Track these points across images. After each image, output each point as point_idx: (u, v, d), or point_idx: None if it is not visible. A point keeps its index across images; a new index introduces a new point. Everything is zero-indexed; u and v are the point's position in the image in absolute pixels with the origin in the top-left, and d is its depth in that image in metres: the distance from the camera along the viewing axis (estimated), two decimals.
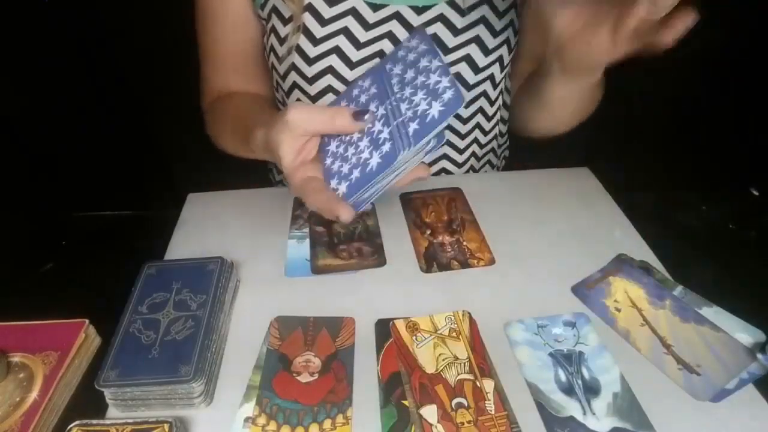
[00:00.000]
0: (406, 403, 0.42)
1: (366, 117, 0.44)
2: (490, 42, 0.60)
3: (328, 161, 0.46)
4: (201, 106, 0.73)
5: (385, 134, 0.43)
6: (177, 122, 1.07)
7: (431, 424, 0.41)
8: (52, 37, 1.08)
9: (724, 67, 1.19)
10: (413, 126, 0.41)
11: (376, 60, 0.60)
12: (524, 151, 0.71)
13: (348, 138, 0.46)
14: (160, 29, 1.04)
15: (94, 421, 0.40)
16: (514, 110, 0.72)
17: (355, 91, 0.50)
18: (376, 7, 0.58)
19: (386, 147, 0.42)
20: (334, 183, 0.44)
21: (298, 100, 0.64)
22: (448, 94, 0.41)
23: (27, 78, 1.13)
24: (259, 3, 0.61)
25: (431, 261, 0.56)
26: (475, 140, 0.70)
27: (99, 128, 1.22)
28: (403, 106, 0.43)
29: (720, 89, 1.22)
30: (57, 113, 1.17)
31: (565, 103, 0.58)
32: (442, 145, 0.46)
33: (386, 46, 0.59)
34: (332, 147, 0.46)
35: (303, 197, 0.45)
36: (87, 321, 0.50)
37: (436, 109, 0.41)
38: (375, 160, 0.42)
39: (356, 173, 0.43)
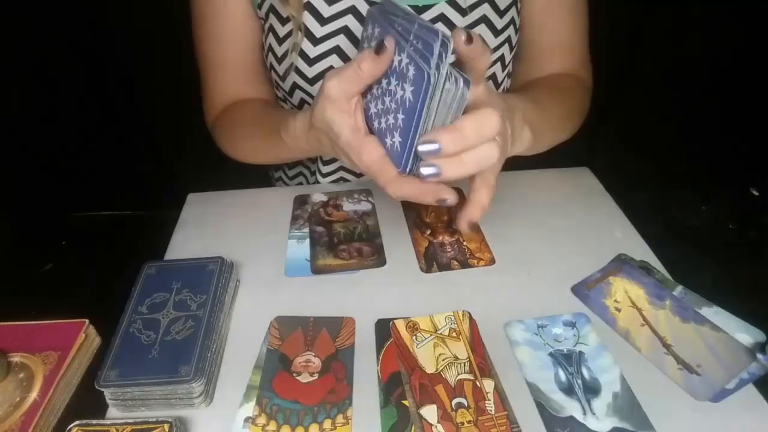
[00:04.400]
0: (406, 403, 0.42)
1: (386, 43, 0.39)
2: (492, 41, 0.60)
3: (376, 124, 0.42)
4: (206, 122, 0.71)
5: (404, 60, 0.38)
6: (177, 122, 1.07)
7: (431, 424, 0.41)
8: (53, 37, 1.08)
9: (724, 66, 1.19)
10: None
11: None
12: None
13: (380, 91, 0.41)
14: (160, 29, 1.04)
15: (94, 421, 0.40)
16: None
17: (366, 36, 0.46)
18: None
19: (411, 70, 0.37)
20: (388, 141, 0.40)
21: (302, 100, 0.64)
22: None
23: (27, 78, 1.13)
24: (257, 2, 0.61)
25: (431, 261, 0.56)
26: None
27: (99, 128, 1.22)
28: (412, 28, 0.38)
29: (720, 89, 1.22)
30: (57, 113, 1.17)
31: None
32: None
33: None
34: (375, 107, 0.42)
35: (382, 185, 0.41)
36: (87, 321, 0.50)
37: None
38: (408, 91, 0.37)
39: (401, 116, 0.38)
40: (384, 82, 0.41)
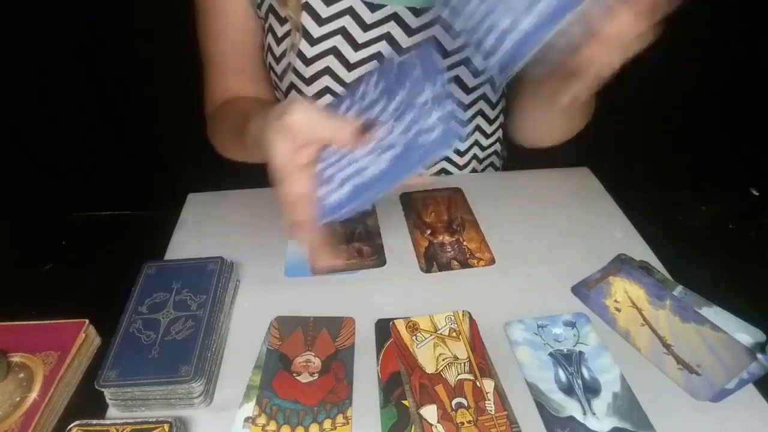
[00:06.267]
0: (406, 403, 0.42)
1: (372, 133, 0.40)
2: None
3: (321, 165, 0.42)
4: (205, 116, 0.72)
5: (391, 139, 0.39)
6: (177, 122, 1.07)
7: (431, 424, 0.41)
8: (53, 37, 1.08)
9: (724, 66, 1.19)
10: (422, 139, 0.38)
11: (374, 63, 0.60)
12: (524, 152, 0.72)
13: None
14: (160, 29, 1.03)
15: (94, 421, 0.40)
16: (507, 122, 0.72)
17: (361, 88, 0.46)
18: (373, 8, 0.57)
19: (389, 155, 0.38)
20: (322, 191, 0.40)
21: None
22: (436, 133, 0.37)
23: (28, 78, 1.13)
24: (257, 2, 0.61)
25: (431, 261, 0.56)
26: (476, 143, 0.70)
27: (99, 128, 1.22)
28: (409, 115, 0.40)
29: (720, 89, 1.22)
30: (57, 113, 1.17)
31: (553, 120, 0.59)
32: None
33: (384, 48, 0.59)
34: (325, 153, 0.42)
35: (288, 217, 0.40)
36: (87, 321, 0.50)
37: (431, 137, 0.38)
38: (374, 169, 0.39)
39: (349, 185, 0.39)
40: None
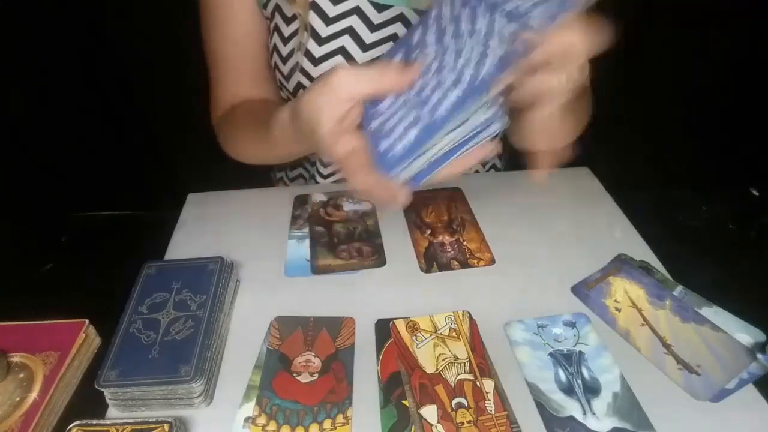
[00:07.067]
0: (406, 403, 0.42)
1: (415, 66, 0.39)
2: None
3: (375, 123, 0.41)
4: (212, 122, 0.71)
5: (450, 78, 0.37)
6: (177, 122, 1.07)
7: (431, 424, 0.41)
8: (53, 37, 1.08)
9: (724, 66, 1.19)
10: (487, 62, 0.36)
11: None
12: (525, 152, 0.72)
13: (405, 93, 0.41)
14: (160, 30, 1.04)
15: (94, 421, 0.40)
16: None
17: (416, 37, 0.44)
18: (380, 8, 0.57)
19: (453, 94, 0.37)
20: (384, 144, 0.39)
21: None
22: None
23: (28, 77, 1.13)
24: (262, 2, 0.61)
25: (431, 261, 0.56)
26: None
27: (99, 128, 1.22)
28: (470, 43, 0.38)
29: (720, 89, 1.22)
30: (58, 113, 1.17)
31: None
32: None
33: None
34: (382, 106, 0.41)
35: (347, 175, 0.41)
36: (87, 321, 0.50)
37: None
38: (438, 109, 0.37)
39: (414, 131, 0.38)
40: (416, 88, 0.40)
